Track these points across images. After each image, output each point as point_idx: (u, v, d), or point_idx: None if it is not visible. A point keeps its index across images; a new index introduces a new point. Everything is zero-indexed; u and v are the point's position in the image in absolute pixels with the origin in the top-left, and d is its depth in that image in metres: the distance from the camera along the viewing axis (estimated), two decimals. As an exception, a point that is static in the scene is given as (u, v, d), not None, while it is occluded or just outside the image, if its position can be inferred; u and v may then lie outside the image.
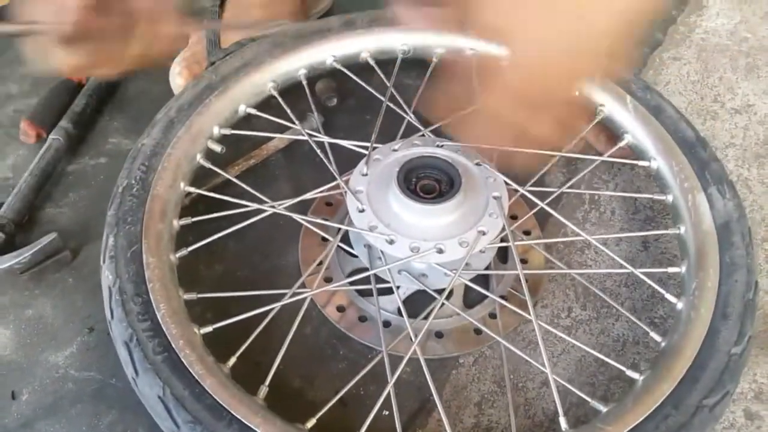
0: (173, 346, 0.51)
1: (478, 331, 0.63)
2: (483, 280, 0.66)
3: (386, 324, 0.63)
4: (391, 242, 0.57)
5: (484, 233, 0.58)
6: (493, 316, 0.64)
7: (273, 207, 0.63)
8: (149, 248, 0.56)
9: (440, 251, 0.56)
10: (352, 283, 0.63)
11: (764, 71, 0.95)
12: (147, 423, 0.55)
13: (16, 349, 0.62)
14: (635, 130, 0.70)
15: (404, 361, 0.54)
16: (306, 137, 0.68)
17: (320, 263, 0.63)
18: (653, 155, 0.68)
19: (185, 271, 0.59)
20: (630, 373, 0.55)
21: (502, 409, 0.60)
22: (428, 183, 0.61)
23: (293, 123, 0.69)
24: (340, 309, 0.65)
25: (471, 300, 0.65)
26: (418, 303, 0.63)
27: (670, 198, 0.66)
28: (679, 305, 0.58)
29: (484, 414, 0.59)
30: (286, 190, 0.75)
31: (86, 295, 0.65)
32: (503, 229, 0.58)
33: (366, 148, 0.64)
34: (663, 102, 0.70)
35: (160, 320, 0.52)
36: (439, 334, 0.63)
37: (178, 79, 0.83)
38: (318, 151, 0.66)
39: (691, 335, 0.55)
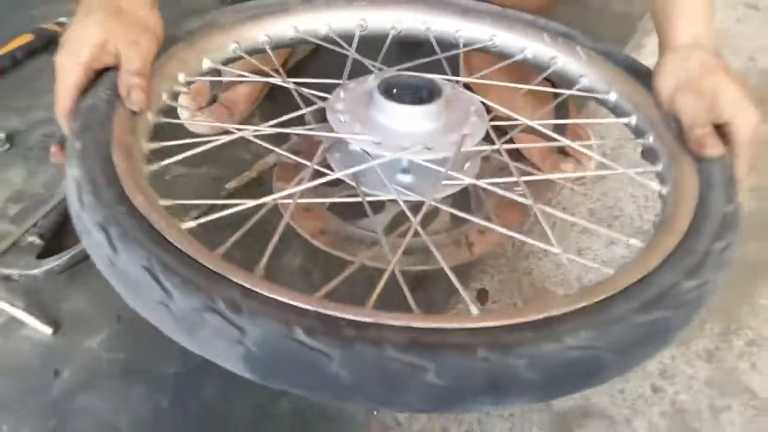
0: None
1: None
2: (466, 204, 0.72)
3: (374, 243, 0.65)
4: (378, 144, 0.57)
5: (468, 135, 0.59)
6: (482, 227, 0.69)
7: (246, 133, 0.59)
8: (119, 155, 0.51)
9: (429, 149, 0.57)
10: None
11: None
12: (170, 394, 0.66)
13: (56, 336, 0.72)
14: (589, 71, 0.75)
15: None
16: (281, 82, 0.68)
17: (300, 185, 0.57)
18: (610, 89, 0.73)
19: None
20: (633, 241, 0.56)
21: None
22: (410, 94, 0.62)
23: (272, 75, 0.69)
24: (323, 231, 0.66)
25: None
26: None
27: (633, 119, 0.69)
28: (663, 191, 0.60)
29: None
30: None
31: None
32: (487, 134, 0.62)
33: (338, 85, 0.66)
34: (610, 48, 0.76)
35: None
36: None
37: (184, 112, 0.95)
38: (293, 88, 0.67)
39: (684, 205, 0.54)
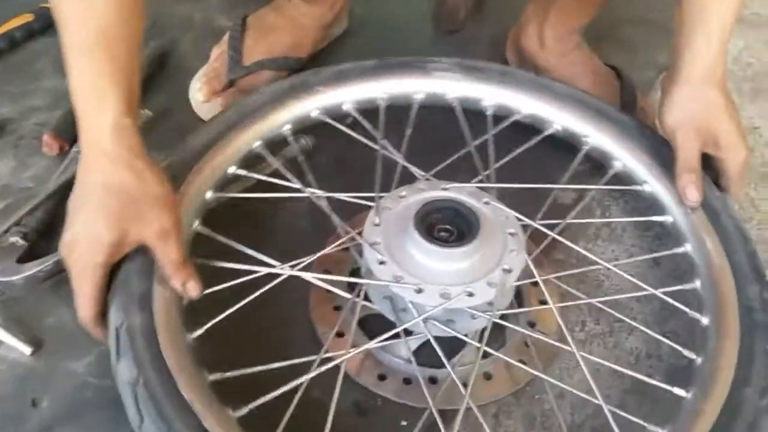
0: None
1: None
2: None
3: (432, 380, 0.62)
4: (420, 291, 0.56)
5: (509, 271, 0.57)
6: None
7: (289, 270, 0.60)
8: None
9: (471, 295, 0.56)
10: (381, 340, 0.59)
11: (769, 95, 0.97)
12: None
13: (36, 357, 0.62)
14: (624, 156, 0.72)
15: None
16: (308, 194, 0.66)
17: (339, 331, 0.61)
18: (645, 179, 0.71)
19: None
20: (677, 390, 0.56)
21: (518, 420, 0.60)
22: (445, 227, 0.60)
23: (289, 180, 0.68)
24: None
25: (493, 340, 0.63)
26: (430, 349, 0.61)
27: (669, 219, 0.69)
28: (704, 321, 0.60)
29: (501, 425, 0.60)
30: (286, 245, 0.71)
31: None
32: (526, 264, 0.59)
33: (370, 199, 0.63)
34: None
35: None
36: (487, 376, 0.62)
37: (198, 95, 0.85)
38: (324, 208, 0.65)
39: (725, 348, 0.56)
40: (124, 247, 0.54)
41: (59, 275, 0.65)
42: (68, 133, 0.78)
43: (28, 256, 0.66)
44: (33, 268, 0.64)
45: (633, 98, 0.85)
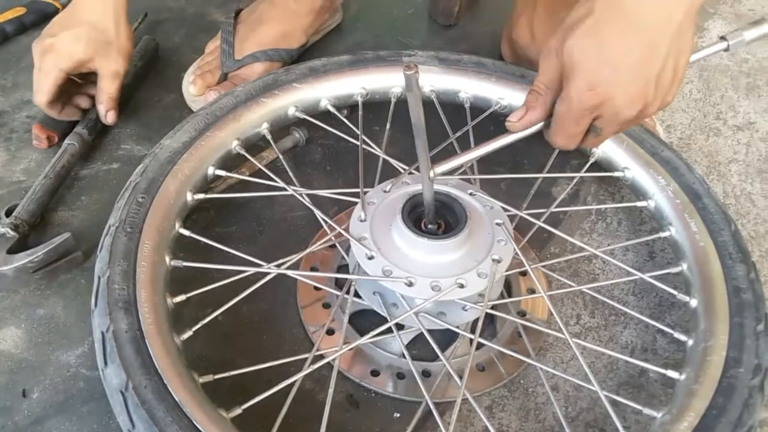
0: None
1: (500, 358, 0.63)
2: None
3: (425, 373, 0.61)
4: (410, 284, 0.55)
5: (499, 261, 0.57)
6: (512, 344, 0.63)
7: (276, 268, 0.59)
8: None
9: (462, 286, 0.55)
10: (374, 335, 0.58)
11: (765, 90, 0.97)
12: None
13: (27, 348, 0.61)
14: (603, 145, 0.72)
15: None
16: (291, 192, 0.65)
17: (329, 328, 0.62)
18: (625, 165, 0.71)
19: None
20: (670, 373, 0.56)
21: (511, 413, 0.60)
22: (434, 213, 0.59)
23: (275, 180, 0.66)
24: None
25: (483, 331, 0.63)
26: (422, 343, 0.61)
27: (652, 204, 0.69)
28: (693, 303, 0.60)
29: (494, 417, 0.60)
30: (271, 244, 0.72)
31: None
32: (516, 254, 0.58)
33: (354, 194, 0.62)
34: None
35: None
36: (479, 367, 0.62)
37: (191, 88, 0.84)
38: (308, 204, 0.64)
39: (716, 329, 0.56)
40: (83, 67, 0.74)
41: (50, 266, 0.65)
42: (56, 125, 0.78)
43: (19, 247, 0.65)
44: (23, 258, 0.63)
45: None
